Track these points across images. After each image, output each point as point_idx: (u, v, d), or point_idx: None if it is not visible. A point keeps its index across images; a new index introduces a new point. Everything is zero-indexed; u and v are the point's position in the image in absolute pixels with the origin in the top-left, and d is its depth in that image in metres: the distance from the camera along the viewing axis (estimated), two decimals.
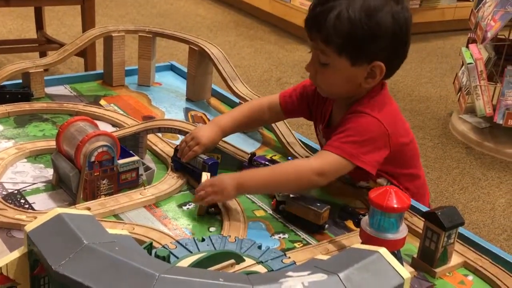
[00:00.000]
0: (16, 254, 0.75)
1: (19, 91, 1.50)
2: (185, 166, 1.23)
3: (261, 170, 1.17)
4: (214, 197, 1.10)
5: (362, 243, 0.98)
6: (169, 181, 1.20)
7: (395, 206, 0.93)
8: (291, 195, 1.12)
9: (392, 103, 1.20)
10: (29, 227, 0.74)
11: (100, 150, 1.10)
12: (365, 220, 0.98)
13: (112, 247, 0.70)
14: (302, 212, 1.11)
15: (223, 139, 1.30)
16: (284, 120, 1.42)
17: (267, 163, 1.23)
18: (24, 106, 1.46)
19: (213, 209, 1.13)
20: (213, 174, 1.17)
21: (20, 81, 1.54)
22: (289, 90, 1.32)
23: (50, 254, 0.69)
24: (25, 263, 0.75)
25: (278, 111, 1.31)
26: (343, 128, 1.14)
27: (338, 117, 1.20)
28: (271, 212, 1.17)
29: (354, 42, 1.09)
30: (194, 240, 0.95)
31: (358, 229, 1.01)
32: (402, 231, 0.96)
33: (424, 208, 1.18)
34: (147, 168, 1.22)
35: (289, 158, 1.16)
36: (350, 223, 1.13)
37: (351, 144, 1.11)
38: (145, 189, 1.17)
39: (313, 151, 1.37)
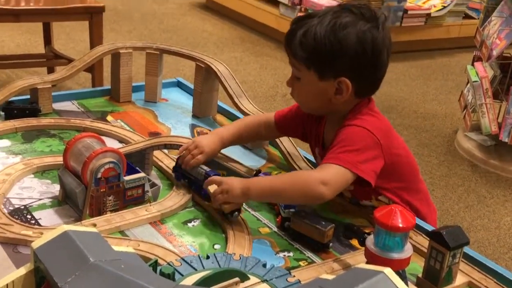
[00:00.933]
0: (22, 270, 0.76)
1: (27, 107, 1.51)
2: (187, 176, 1.24)
3: (269, 177, 1.20)
4: (220, 196, 1.12)
5: (367, 262, 0.98)
6: (174, 198, 1.21)
7: (400, 225, 0.93)
8: (296, 213, 1.12)
9: (380, 117, 1.22)
10: (36, 244, 0.75)
11: (106, 166, 1.11)
12: (370, 239, 0.98)
13: (117, 265, 0.71)
14: (306, 230, 1.11)
15: (229, 155, 1.32)
16: (289, 137, 1.43)
17: None
18: (32, 122, 1.47)
19: (237, 213, 1.14)
20: None
21: (28, 96, 1.55)
22: (285, 109, 1.35)
23: (56, 271, 0.70)
24: (31, 280, 0.76)
25: (273, 128, 1.35)
26: (335, 142, 1.16)
27: (331, 138, 1.22)
28: (276, 229, 1.17)
29: (318, 57, 1.14)
30: (199, 258, 0.95)
31: (363, 248, 1.02)
32: (407, 251, 0.96)
33: (429, 227, 1.18)
34: (153, 185, 1.23)
35: None
36: (355, 242, 1.13)
37: (346, 153, 1.13)
38: (150, 205, 1.17)
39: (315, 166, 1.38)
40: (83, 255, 0.71)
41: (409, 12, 4.15)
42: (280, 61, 3.86)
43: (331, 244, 1.12)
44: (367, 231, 1.09)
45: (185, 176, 1.24)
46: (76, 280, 0.67)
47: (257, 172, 1.26)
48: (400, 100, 3.48)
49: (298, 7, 4.01)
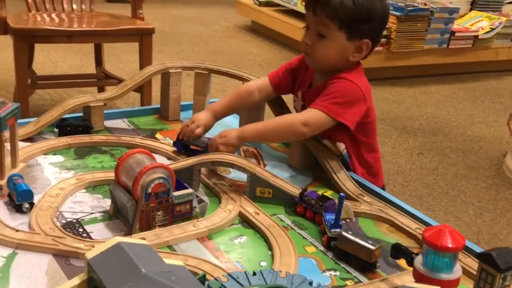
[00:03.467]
0: (76, 281, 0.78)
1: (80, 124, 1.55)
2: (188, 147, 1.47)
3: (259, 123, 1.45)
4: (218, 139, 1.40)
5: (415, 282, 0.97)
6: (221, 214, 1.22)
7: (450, 245, 0.92)
8: (343, 232, 1.12)
9: (365, 78, 1.43)
10: (89, 254, 0.77)
11: (156, 182, 1.13)
12: (418, 259, 0.97)
13: (168, 276, 0.72)
14: (353, 249, 1.11)
15: (276, 174, 1.33)
16: (336, 156, 1.43)
17: (318, 199, 1.24)
18: (84, 138, 1.51)
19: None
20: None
21: (81, 114, 1.60)
22: (276, 70, 1.57)
23: (109, 281, 0.72)
24: None
25: (268, 90, 1.55)
26: (328, 91, 1.37)
27: (319, 82, 1.45)
28: (322, 248, 1.17)
29: (355, 20, 1.35)
30: (246, 274, 0.96)
31: (410, 268, 1.00)
32: (457, 272, 0.95)
33: (478, 248, 1.16)
34: (200, 201, 1.24)
35: (341, 194, 1.16)
36: (402, 262, 1.12)
37: (335, 105, 1.35)
38: (198, 221, 1.19)
39: (364, 187, 1.37)
40: (135, 266, 0.72)
41: (457, 34, 4.12)
42: None
43: (378, 264, 1.11)
44: (415, 251, 1.08)
45: (186, 147, 1.47)
46: None
47: (303, 191, 1.27)
48: (447, 122, 3.43)
49: None
